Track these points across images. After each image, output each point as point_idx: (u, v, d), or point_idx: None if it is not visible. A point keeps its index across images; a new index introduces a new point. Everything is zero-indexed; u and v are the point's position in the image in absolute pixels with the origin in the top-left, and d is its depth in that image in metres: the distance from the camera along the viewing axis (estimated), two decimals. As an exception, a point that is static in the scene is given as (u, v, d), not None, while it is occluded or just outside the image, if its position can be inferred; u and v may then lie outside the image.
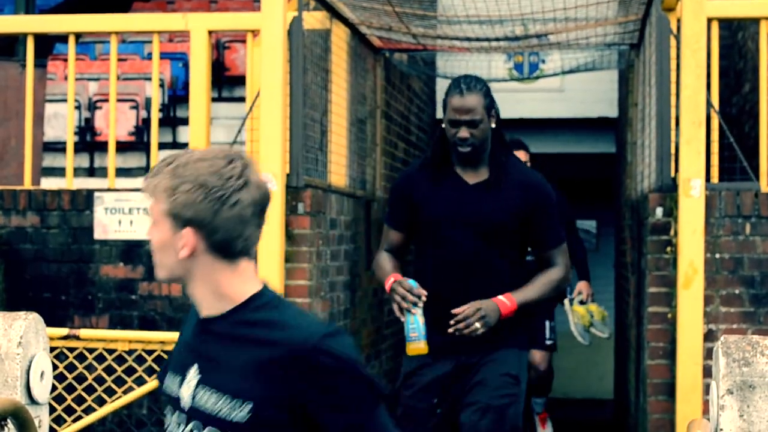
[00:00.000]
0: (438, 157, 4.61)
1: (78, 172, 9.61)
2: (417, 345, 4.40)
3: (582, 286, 8.02)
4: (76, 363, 5.49)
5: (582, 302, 7.92)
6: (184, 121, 9.76)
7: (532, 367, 7.62)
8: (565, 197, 7.51)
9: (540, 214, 4.53)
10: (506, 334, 4.53)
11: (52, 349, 5.15)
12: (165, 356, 5.40)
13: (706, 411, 5.90)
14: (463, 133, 4.47)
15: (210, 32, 6.62)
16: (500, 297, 4.44)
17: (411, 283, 4.42)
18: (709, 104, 6.20)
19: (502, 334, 4.50)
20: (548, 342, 7.84)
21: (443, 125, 4.56)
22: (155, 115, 6.83)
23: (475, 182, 4.55)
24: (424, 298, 4.38)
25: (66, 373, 5.55)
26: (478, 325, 4.37)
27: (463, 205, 4.51)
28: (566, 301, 7.90)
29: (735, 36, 9.56)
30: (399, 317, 4.45)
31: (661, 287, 6.17)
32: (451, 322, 4.38)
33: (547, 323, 7.80)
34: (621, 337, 9.41)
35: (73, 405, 5.56)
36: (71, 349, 5.47)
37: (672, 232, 6.15)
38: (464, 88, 4.49)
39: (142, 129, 10.22)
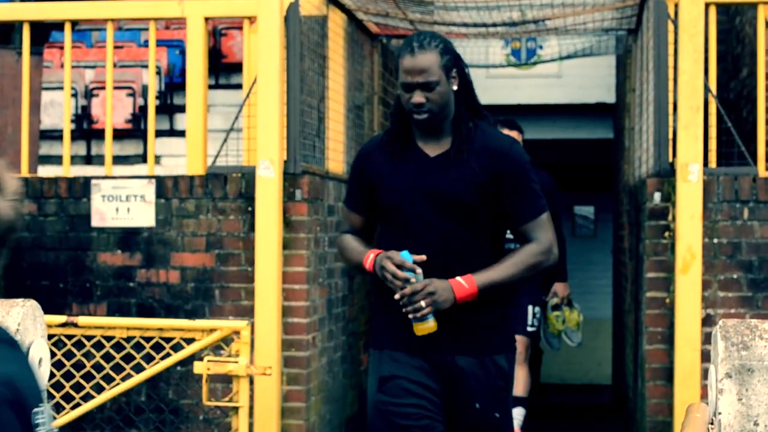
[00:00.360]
0: (397, 130, 4.01)
1: (75, 159, 9.60)
2: (425, 325, 3.83)
3: (558, 288, 7.50)
4: (75, 350, 5.49)
5: (557, 306, 7.49)
6: (181, 109, 9.74)
7: None
8: (557, 185, 7.39)
9: (510, 183, 3.90)
10: (491, 337, 3.96)
11: (50, 337, 5.15)
12: (163, 343, 5.40)
13: (704, 395, 5.91)
14: (418, 97, 3.85)
15: (206, 19, 6.60)
16: (458, 278, 3.84)
17: (404, 255, 3.82)
18: (706, 89, 6.20)
19: (485, 336, 3.94)
20: (530, 329, 7.26)
21: (399, 92, 3.96)
22: (152, 103, 6.82)
23: (437, 154, 3.94)
24: (419, 271, 3.80)
25: (64, 360, 5.55)
26: (422, 303, 3.77)
27: (424, 181, 3.92)
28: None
29: (733, 21, 9.55)
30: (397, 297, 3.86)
31: (659, 272, 6.17)
32: (396, 296, 3.80)
33: (530, 308, 7.24)
34: (619, 322, 9.42)
35: (72, 392, 5.57)
36: (69, 337, 5.47)
37: (670, 217, 6.15)
38: (416, 47, 3.86)
39: (139, 116, 10.21)
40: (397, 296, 3.80)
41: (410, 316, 3.80)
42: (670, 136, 6.23)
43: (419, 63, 3.84)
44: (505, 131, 7.13)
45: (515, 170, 3.91)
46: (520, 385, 7.08)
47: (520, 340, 7.11)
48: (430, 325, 3.83)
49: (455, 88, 3.92)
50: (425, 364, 3.91)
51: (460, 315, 3.87)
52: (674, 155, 6.17)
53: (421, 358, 3.91)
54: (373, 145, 4.10)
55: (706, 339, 5.99)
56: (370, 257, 3.94)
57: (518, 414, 7.15)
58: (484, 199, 3.89)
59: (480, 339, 3.93)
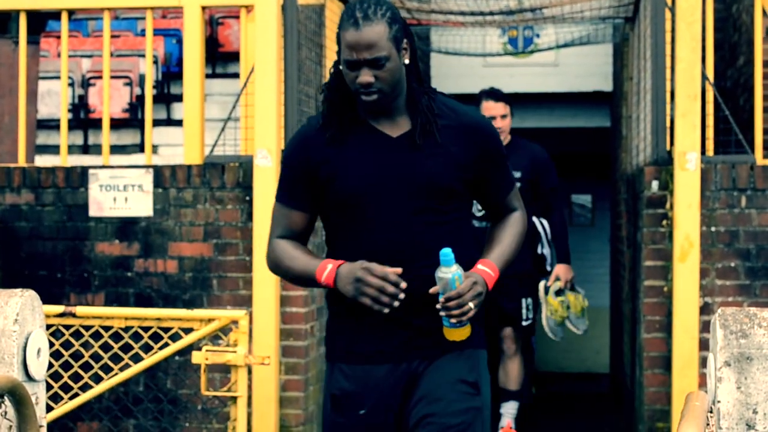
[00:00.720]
0: (340, 109, 3.42)
1: (72, 149, 9.60)
2: (465, 330, 3.36)
3: (560, 271, 7.05)
4: (73, 340, 5.49)
5: (560, 291, 7.05)
6: (178, 98, 9.74)
7: (503, 348, 6.95)
8: (554, 164, 7.15)
9: (491, 159, 3.47)
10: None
11: (48, 327, 5.15)
12: (161, 333, 5.40)
13: (702, 384, 5.92)
14: (365, 76, 3.29)
15: (203, 8, 6.59)
16: (481, 266, 3.40)
17: (445, 254, 3.26)
18: (704, 77, 6.20)
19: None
20: (525, 323, 6.92)
21: (340, 67, 3.38)
22: (149, 92, 6.81)
23: (399, 134, 3.41)
24: (461, 271, 3.28)
25: (62, 350, 5.55)
26: (471, 305, 3.28)
27: (394, 166, 3.38)
28: (541, 288, 7.08)
29: (729, 9, 9.55)
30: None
31: (657, 261, 6.17)
32: (441, 300, 3.27)
33: (524, 301, 6.90)
34: (617, 310, 9.43)
35: (70, 382, 5.57)
36: (67, 327, 5.47)
37: (668, 206, 6.15)
38: (360, 17, 3.26)
39: (136, 106, 10.21)
40: (441, 300, 3.26)
41: (453, 320, 3.29)
42: (668, 124, 6.23)
43: (365, 37, 3.27)
44: (491, 103, 6.89)
45: (494, 145, 3.50)
46: (512, 378, 6.95)
47: (508, 334, 6.92)
48: (467, 330, 3.37)
49: (407, 61, 3.38)
50: (381, 374, 3.42)
51: (421, 311, 3.38)
52: (672, 143, 6.17)
53: (376, 366, 3.41)
54: (313, 128, 3.47)
55: (704, 327, 6.00)
56: (327, 268, 3.36)
57: (511, 408, 6.97)
58: (465, 181, 3.44)
59: (438, 336, 3.39)
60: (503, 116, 6.88)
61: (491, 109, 6.88)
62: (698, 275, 6.02)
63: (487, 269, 3.39)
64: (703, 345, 5.97)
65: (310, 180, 3.44)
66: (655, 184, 6.18)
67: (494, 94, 6.96)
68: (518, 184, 6.57)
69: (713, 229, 6.10)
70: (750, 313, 2.59)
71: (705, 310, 6.04)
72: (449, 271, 3.27)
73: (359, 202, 3.38)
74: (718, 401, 2.54)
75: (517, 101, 11.85)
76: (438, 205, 3.40)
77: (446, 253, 3.25)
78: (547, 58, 11.70)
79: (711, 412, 2.61)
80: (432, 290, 3.29)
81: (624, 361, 8.18)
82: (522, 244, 3.58)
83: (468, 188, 3.46)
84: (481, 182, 3.48)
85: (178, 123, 9.51)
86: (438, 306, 3.27)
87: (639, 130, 7.20)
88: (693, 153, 6.01)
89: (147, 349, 5.55)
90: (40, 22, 11.17)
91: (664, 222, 6.16)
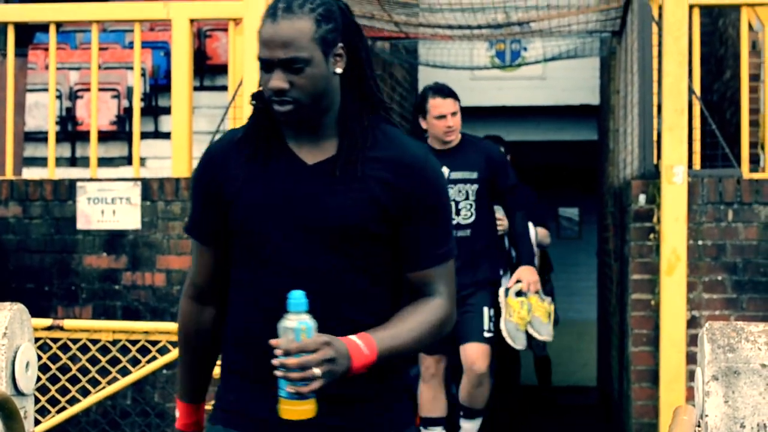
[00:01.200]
0: (260, 123, 2.77)
1: (60, 161, 9.58)
2: (304, 405, 2.51)
3: (522, 272, 6.09)
4: (60, 353, 5.48)
5: (520, 293, 6.09)
6: (166, 111, 9.73)
7: (468, 368, 5.99)
8: (509, 159, 6.75)
9: (418, 210, 2.73)
10: (374, 406, 2.73)
11: (35, 340, 5.14)
12: (149, 346, 5.39)
13: (689, 397, 5.93)
14: (277, 81, 2.64)
15: (192, 21, 6.60)
16: (353, 338, 2.58)
17: (294, 298, 2.51)
18: (691, 91, 6.22)
19: (364, 413, 2.73)
20: (486, 334, 5.99)
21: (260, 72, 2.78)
22: (137, 105, 6.81)
23: (317, 161, 2.72)
24: (313, 323, 2.52)
25: (50, 363, 5.54)
26: (317, 371, 2.48)
27: (296, 198, 2.70)
28: (501, 292, 6.15)
29: (716, 23, 9.59)
30: None
31: (644, 274, 6.19)
32: (275, 361, 2.49)
33: (485, 310, 6.01)
34: (604, 324, 9.45)
35: (57, 396, 5.56)
36: (55, 340, 5.46)
37: (655, 219, 6.17)
38: (281, 8, 2.64)
39: (123, 118, 10.20)
40: (276, 359, 2.49)
41: (288, 389, 2.49)
42: (655, 138, 6.26)
43: (281, 32, 2.62)
44: (438, 100, 6.11)
45: (429, 193, 2.75)
46: (480, 399, 6.12)
47: (476, 349, 5.97)
48: (308, 408, 2.51)
49: (338, 70, 2.70)
50: None
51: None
52: (659, 157, 6.19)
53: None
54: (226, 143, 2.82)
55: (692, 341, 6.02)
56: (178, 418, 2.93)
57: (476, 424, 6.19)
58: (384, 227, 2.72)
59: (354, 417, 2.72)
60: (453, 113, 6.06)
61: (440, 106, 6.07)
62: (685, 289, 6.03)
63: (360, 343, 2.58)
64: (691, 359, 5.98)
65: (216, 205, 2.78)
66: (642, 198, 6.20)
67: (442, 90, 6.13)
68: (476, 185, 6.06)
69: (700, 242, 6.12)
70: (737, 327, 2.60)
71: (692, 323, 6.06)
72: (296, 319, 2.51)
73: (255, 237, 2.73)
74: (706, 415, 2.54)
75: (505, 114, 11.93)
76: (351, 252, 2.71)
77: (297, 296, 2.51)
78: (535, 71, 11.75)
79: (699, 426, 2.62)
80: (273, 342, 2.52)
81: (612, 374, 8.19)
82: (430, 339, 2.75)
83: (390, 238, 2.75)
84: (403, 237, 2.75)
85: (166, 136, 9.51)
86: (275, 362, 2.50)
87: (626, 144, 7.23)
88: (680, 167, 6.03)
89: (135, 362, 5.54)
90: (28, 34, 11.16)
91: (651, 235, 6.18)
